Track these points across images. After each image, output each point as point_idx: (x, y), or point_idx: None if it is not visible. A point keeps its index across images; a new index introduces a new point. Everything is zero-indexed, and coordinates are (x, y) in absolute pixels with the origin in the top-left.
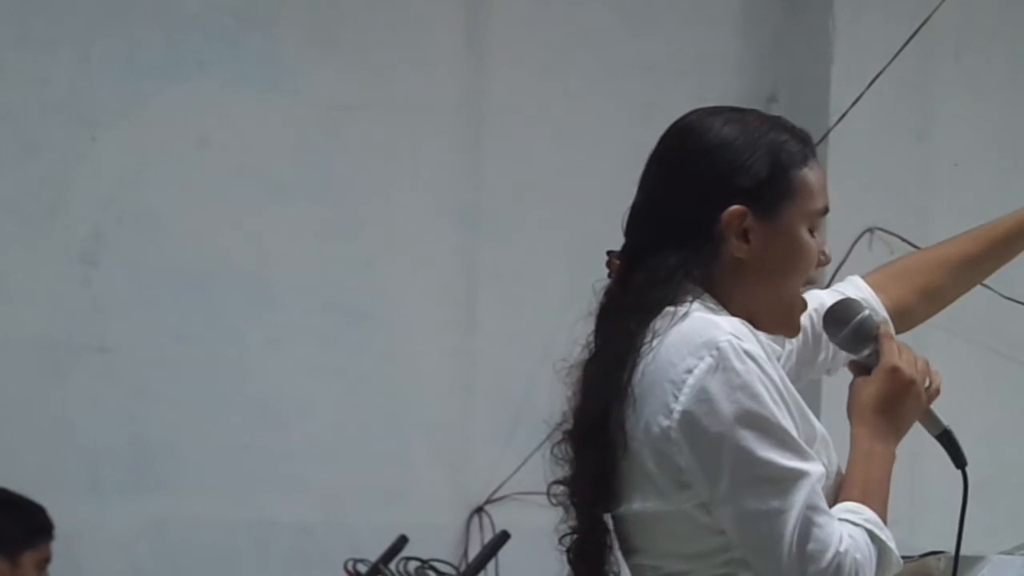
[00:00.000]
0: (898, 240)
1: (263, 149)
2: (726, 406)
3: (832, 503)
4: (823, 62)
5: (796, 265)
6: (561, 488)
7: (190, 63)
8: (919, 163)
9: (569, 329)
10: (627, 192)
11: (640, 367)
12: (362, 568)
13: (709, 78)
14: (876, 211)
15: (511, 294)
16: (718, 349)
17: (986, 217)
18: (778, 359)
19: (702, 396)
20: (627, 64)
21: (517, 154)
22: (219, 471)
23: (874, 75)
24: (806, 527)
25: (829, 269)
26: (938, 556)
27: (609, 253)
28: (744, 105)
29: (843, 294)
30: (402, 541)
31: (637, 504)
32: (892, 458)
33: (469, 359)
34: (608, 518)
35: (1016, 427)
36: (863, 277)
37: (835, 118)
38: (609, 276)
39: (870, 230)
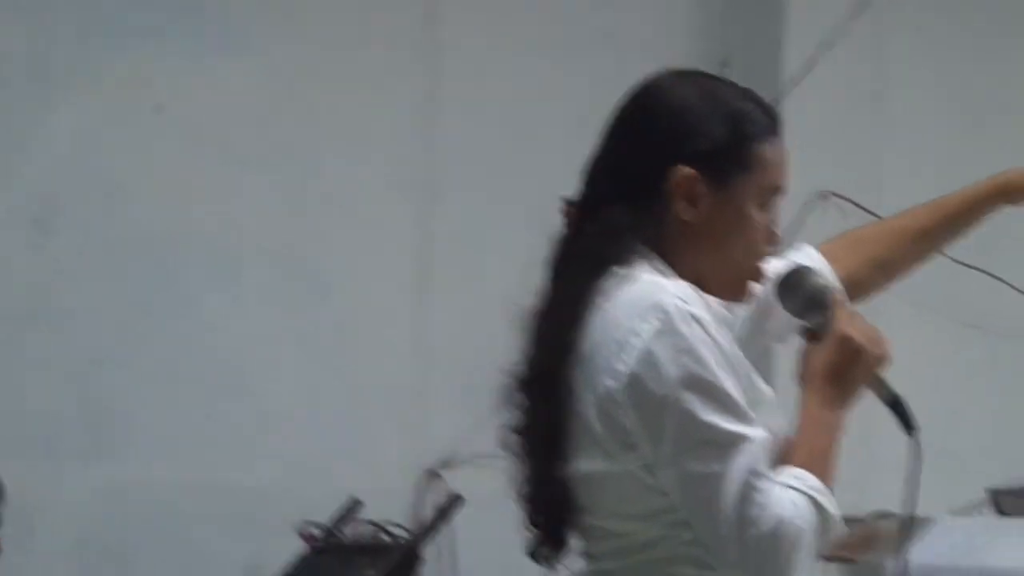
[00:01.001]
0: (851, 204)
1: (220, 116)
2: (671, 369)
3: (778, 468)
4: (776, 27)
5: (740, 238)
6: (514, 436)
7: (148, 30)
8: (873, 127)
9: (524, 293)
10: (583, 159)
11: (588, 328)
12: (315, 531)
13: (663, 43)
14: (829, 175)
15: (467, 260)
16: (665, 312)
17: (940, 181)
18: (729, 325)
19: (648, 359)
20: (581, 31)
21: (474, 122)
22: (175, 436)
23: (827, 39)
24: (747, 491)
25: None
26: (884, 517)
27: (565, 200)
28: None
29: (796, 262)
30: (356, 504)
31: (584, 463)
32: (840, 426)
33: (425, 325)
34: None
35: (967, 391)
36: (816, 247)
37: (788, 83)
38: (564, 224)
39: (823, 194)
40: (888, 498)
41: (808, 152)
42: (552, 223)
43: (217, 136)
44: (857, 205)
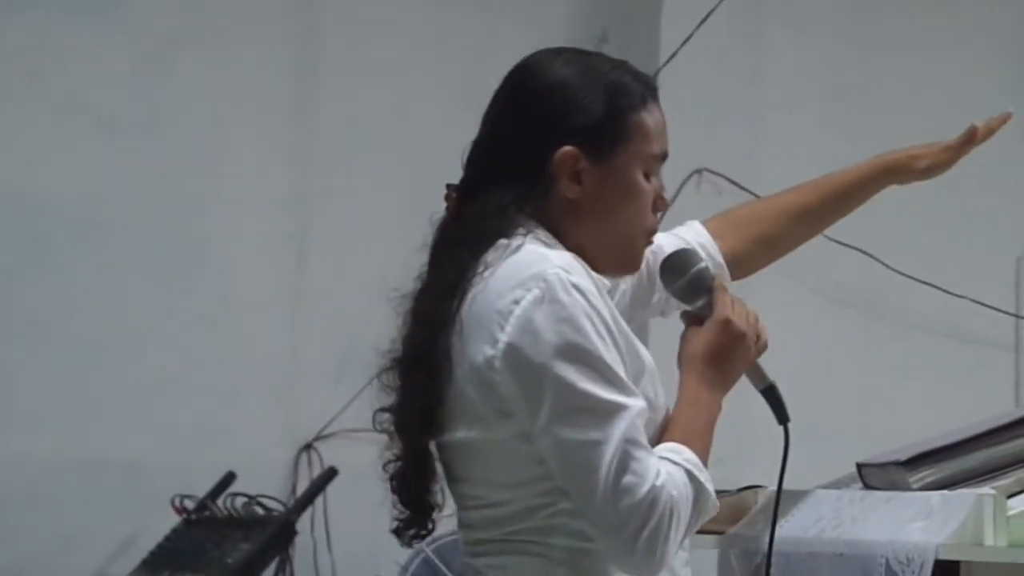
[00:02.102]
0: (726, 181)
1: (94, 83)
2: (550, 337)
3: (656, 443)
4: (654, 2)
5: (628, 207)
6: (386, 415)
7: None
8: (748, 104)
9: (401, 267)
10: (459, 128)
11: (469, 297)
12: (189, 504)
13: (540, 16)
14: (705, 152)
15: (342, 231)
16: (546, 281)
17: (814, 158)
18: (611, 294)
19: (527, 327)
20: (461, 3)
21: (349, 90)
22: (47, 408)
23: (704, 15)
24: (623, 459)
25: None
26: (755, 490)
27: (448, 187)
28: (575, 45)
29: (682, 239)
30: (230, 477)
31: (461, 432)
32: (718, 408)
33: (300, 296)
34: (433, 447)
35: (841, 367)
36: (703, 223)
37: (665, 58)
38: (447, 209)
39: (699, 171)
40: (760, 473)
41: (683, 128)
42: (428, 200)
43: (90, 102)
44: (731, 182)
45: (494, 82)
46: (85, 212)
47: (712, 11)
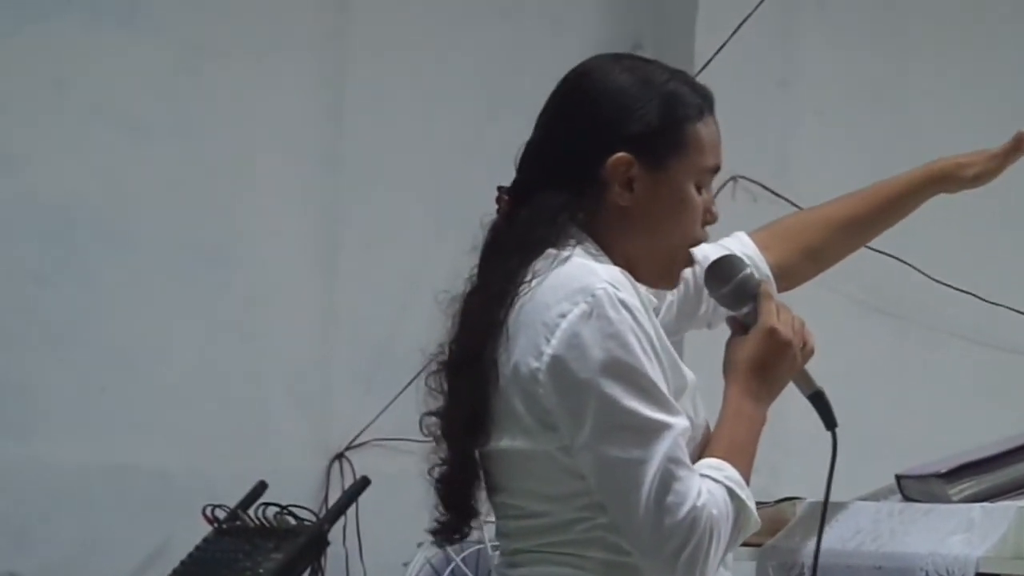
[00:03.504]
0: (761, 188)
1: (121, 89)
2: (596, 353)
3: (698, 457)
4: (688, 8)
5: (679, 219)
6: (433, 419)
7: (48, 2)
8: (783, 111)
9: (430, 274)
10: (488, 135)
11: (517, 306)
12: (220, 514)
13: (573, 24)
14: (739, 159)
15: (372, 239)
16: (593, 296)
17: (848, 166)
18: (656, 311)
19: (573, 341)
20: (491, 9)
21: (378, 97)
22: (75, 415)
23: (739, 22)
24: (666, 479)
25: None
26: (793, 502)
27: (499, 189)
28: (607, 52)
29: (728, 249)
30: (261, 487)
31: (504, 442)
32: (762, 419)
33: (330, 304)
34: (476, 454)
35: (877, 376)
36: (749, 234)
37: (699, 65)
38: (498, 212)
39: (734, 178)
40: (797, 483)
41: None
42: (457, 207)
43: (118, 109)
44: (767, 189)
45: (524, 89)
46: (113, 218)
47: (746, 18)
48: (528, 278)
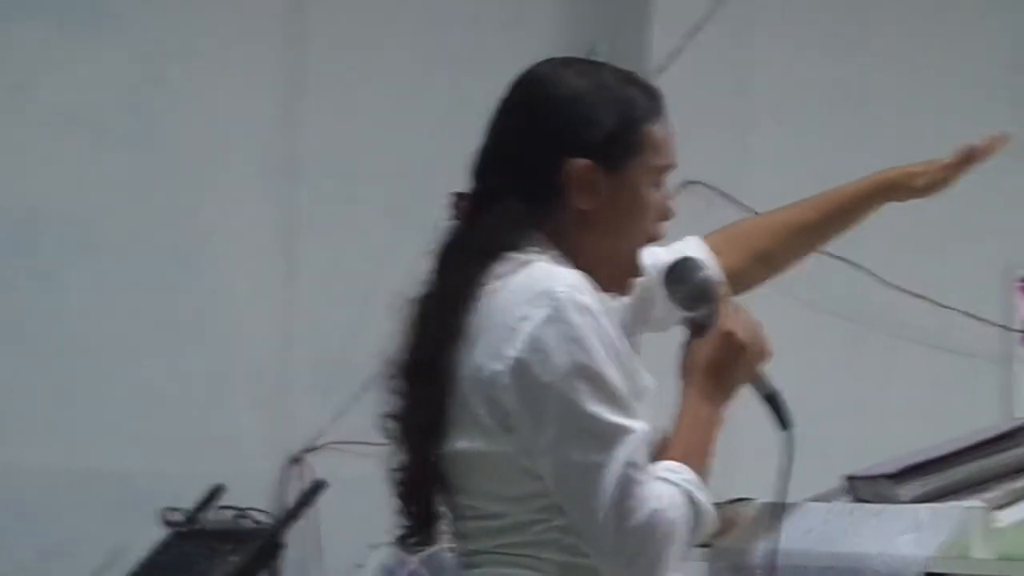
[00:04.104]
0: (716, 193)
1: (86, 94)
2: (559, 357)
3: (655, 460)
4: (643, 14)
5: (638, 220)
6: (392, 422)
7: (12, 6)
8: (738, 115)
9: (389, 279)
10: (446, 140)
11: (477, 310)
12: (178, 517)
13: (529, 29)
14: (695, 164)
15: (331, 243)
16: (556, 300)
17: (804, 171)
18: (613, 312)
19: (536, 345)
20: (448, 15)
21: (338, 104)
22: (36, 419)
23: (694, 26)
24: (625, 483)
25: None
26: (744, 502)
27: (455, 195)
28: (564, 56)
29: (682, 253)
30: (218, 490)
31: (463, 443)
32: (719, 421)
33: (289, 308)
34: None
35: (830, 379)
36: (701, 238)
37: (655, 69)
38: (453, 217)
39: (688, 183)
40: (748, 484)
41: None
42: (417, 212)
43: (81, 114)
44: (722, 193)
45: (482, 93)
46: (77, 224)
47: (702, 23)
48: (488, 282)
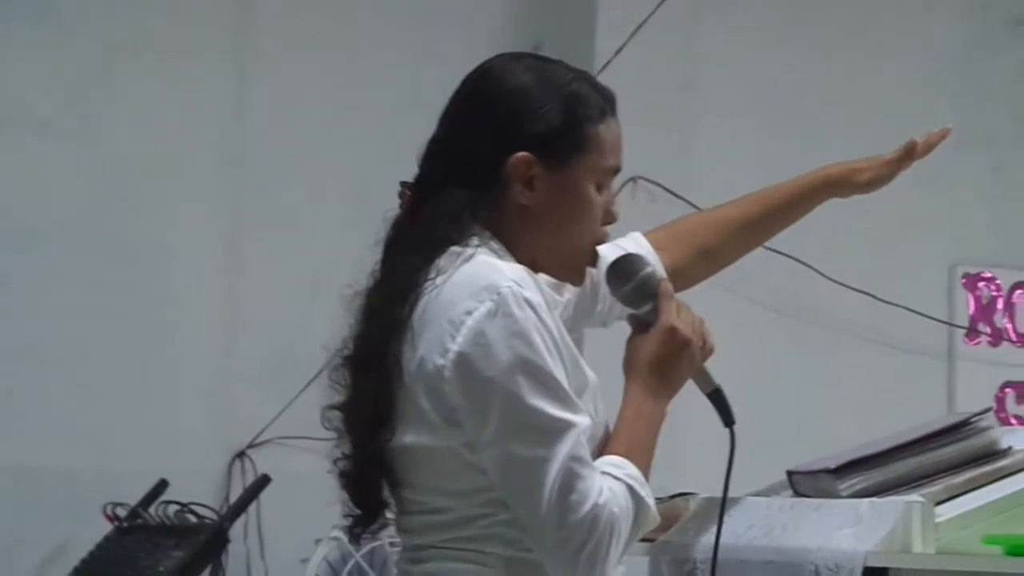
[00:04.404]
0: (660, 189)
1: (31, 89)
2: (501, 351)
3: (598, 455)
4: (589, 9)
5: (578, 218)
6: (336, 414)
7: None
8: (683, 112)
9: (335, 274)
10: (395, 134)
11: (421, 304)
12: (121, 512)
13: (477, 24)
14: (639, 160)
15: (277, 237)
16: (499, 294)
17: (748, 167)
18: (557, 307)
19: (479, 339)
20: (398, 8)
21: (285, 96)
22: None
23: (639, 23)
24: (568, 477)
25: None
26: (687, 498)
27: (402, 184)
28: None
29: (624, 249)
30: (162, 485)
31: (408, 437)
32: (662, 417)
33: (235, 303)
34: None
35: (773, 374)
36: (644, 234)
37: (600, 66)
38: (401, 208)
39: (633, 179)
40: (691, 479)
41: None
42: (364, 207)
43: (26, 107)
44: (666, 190)
45: (430, 88)
46: (22, 218)
47: (646, 20)
48: (432, 275)
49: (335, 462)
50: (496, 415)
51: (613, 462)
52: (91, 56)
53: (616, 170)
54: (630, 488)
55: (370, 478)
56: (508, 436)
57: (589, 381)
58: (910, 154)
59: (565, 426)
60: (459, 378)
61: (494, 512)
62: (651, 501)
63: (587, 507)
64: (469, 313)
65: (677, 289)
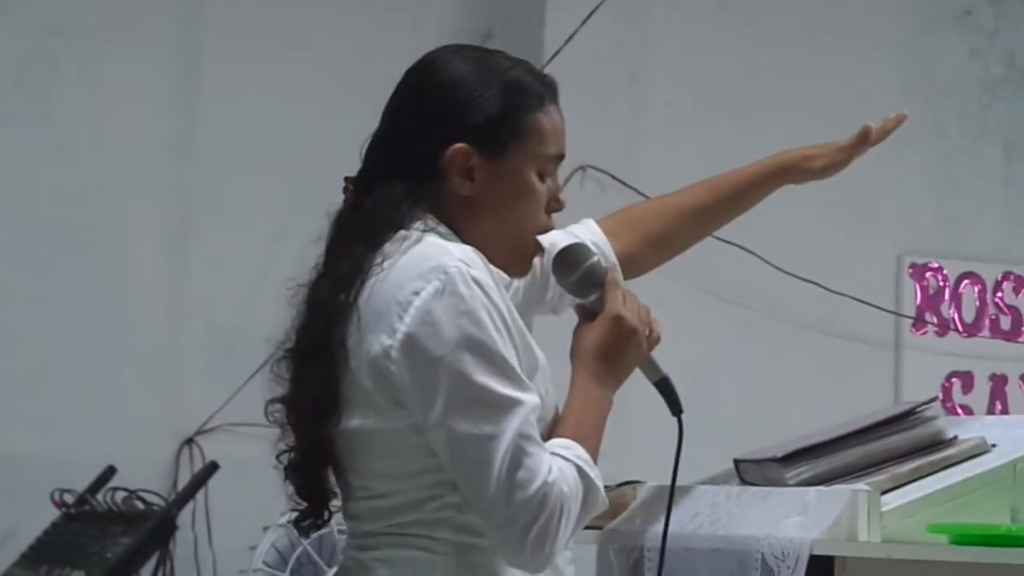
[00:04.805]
0: (609, 178)
1: None
2: (449, 330)
3: (547, 437)
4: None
5: (520, 207)
6: (279, 406)
7: None
8: (632, 101)
9: (282, 261)
10: (343, 124)
11: (367, 287)
12: (69, 498)
13: (426, 12)
14: (588, 149)
15: (224, 226)
16: (446, 273)
17: (697, 156)
18: (508, 290)
19: (426, 319)
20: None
21: (233, 85)
22: None
23: (589, 12)
24: (517, 454)
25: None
26: (634, 486)
27: (346, 179)
28: (459, 41)
29: (576, 236)
30: (110, 471)
31: (355, 421)
32: (609, 404)
33: (181, 290)
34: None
35: (721, 363)
36: (597, 221)
37: (549, 54)
38: (344, 202)
39: (582, 167)
40: (638, 467)
41: (567, 125)
42: (311, 195)
43: None
44: (615, 178)
45: (379, 78)
46: None
47: (596, 8)
48: (378, 260)
49: (278, 456)
50: (443, 394)
51: (562, 443)
52: (37, 41)
53: (559, 157)
54: (579, 469)
55: (316, 467)
56: (455, 414)
57: (539, 362)
58: (864, 140)
59: (513, 403)
60: (406, 358)
61: (442, 494)
62: (600, 484)
63: (536, 485)
64: (416, 293)
65: (629, 276)
